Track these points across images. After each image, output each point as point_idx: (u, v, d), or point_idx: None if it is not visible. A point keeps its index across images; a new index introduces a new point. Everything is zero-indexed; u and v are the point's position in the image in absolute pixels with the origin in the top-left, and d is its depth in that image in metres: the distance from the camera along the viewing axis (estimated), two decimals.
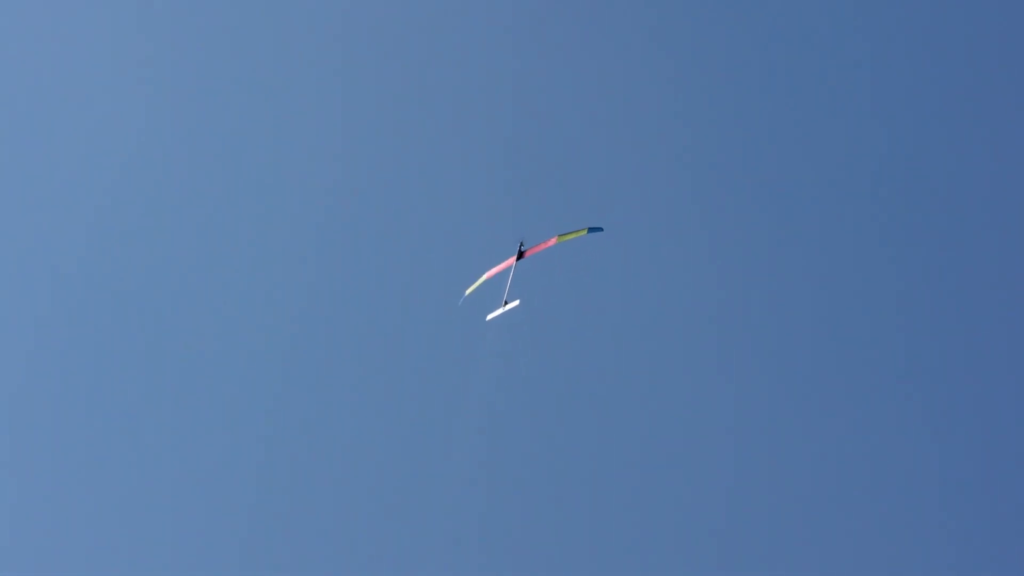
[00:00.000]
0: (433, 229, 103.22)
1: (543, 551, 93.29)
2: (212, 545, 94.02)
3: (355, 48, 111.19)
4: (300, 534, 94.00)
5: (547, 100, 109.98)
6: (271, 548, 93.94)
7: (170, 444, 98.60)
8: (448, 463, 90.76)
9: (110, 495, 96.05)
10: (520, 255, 63.36)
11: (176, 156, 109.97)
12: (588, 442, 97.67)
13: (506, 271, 63.77)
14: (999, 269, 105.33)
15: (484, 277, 64.53)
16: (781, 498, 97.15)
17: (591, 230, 62.11)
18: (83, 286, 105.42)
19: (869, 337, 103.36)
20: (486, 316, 65.94)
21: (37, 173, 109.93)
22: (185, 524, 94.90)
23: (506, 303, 63.84)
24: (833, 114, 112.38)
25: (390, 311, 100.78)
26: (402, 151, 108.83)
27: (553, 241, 62.60)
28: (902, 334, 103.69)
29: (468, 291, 64.90)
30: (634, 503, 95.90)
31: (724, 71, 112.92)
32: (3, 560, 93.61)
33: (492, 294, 64.63)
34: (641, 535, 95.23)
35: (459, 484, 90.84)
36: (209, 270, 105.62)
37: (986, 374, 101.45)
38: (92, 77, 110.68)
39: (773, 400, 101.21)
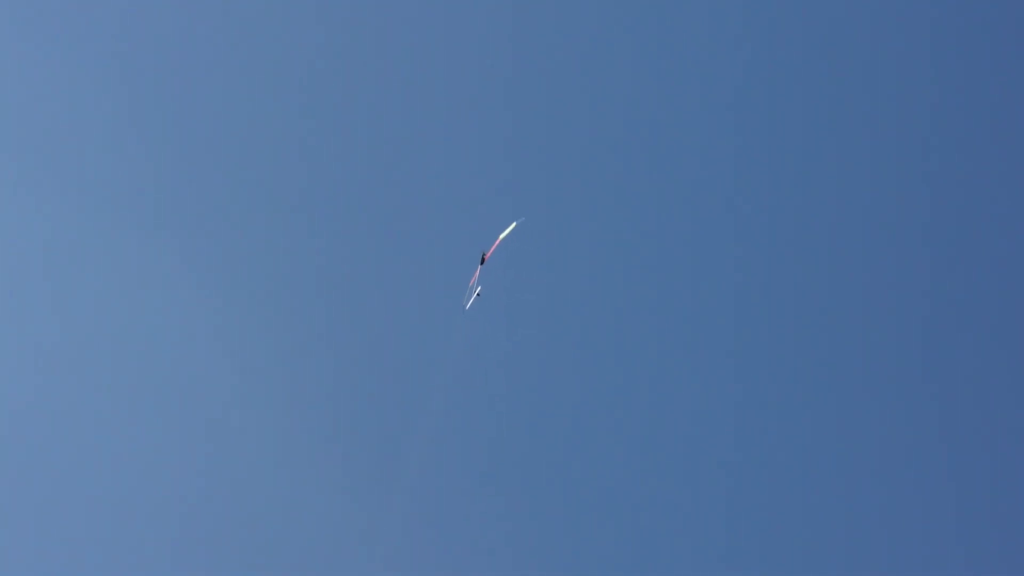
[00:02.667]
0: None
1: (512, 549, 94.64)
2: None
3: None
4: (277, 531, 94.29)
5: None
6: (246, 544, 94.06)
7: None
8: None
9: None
10: (483, 261, 79.95)
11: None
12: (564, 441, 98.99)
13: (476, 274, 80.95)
14: (999, 270, 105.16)
15: (470, 287, 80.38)
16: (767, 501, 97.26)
17: (517, 223, 78.78)
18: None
19: (857, 339, 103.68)
20: (464, 309, 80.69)
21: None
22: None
23: (476, 292, 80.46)
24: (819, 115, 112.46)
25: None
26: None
27: (497, 241, 79.15)
28: (895, 334, 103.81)
29: (465, 304, 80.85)
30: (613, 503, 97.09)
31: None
32: None
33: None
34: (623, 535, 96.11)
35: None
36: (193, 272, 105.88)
37: (986, 375, 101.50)
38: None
39: (763, 400, 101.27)
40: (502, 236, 78.54)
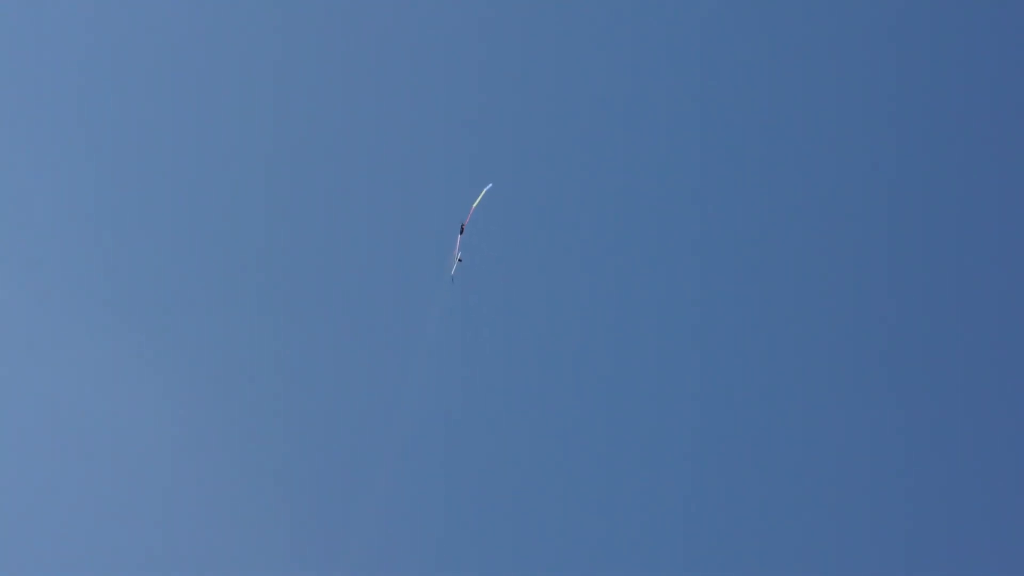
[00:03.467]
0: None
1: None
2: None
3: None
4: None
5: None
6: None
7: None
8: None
9: None
10: (462, 230, 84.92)
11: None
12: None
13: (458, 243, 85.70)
14: (998, 271, 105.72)
15: (453, 255, 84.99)
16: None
17: (487, 189, 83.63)
18: None
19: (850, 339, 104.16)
20: (450, 276, 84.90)
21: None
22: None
23: (458, 259, 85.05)
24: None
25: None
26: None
27: (472, 209, 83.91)
28: (888, 335, 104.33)
29: (452, 272, 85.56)
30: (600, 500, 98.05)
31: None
32: None
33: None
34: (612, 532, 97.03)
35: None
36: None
37: (983, 375, 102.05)
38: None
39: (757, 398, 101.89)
40: (475, 204, 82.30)
